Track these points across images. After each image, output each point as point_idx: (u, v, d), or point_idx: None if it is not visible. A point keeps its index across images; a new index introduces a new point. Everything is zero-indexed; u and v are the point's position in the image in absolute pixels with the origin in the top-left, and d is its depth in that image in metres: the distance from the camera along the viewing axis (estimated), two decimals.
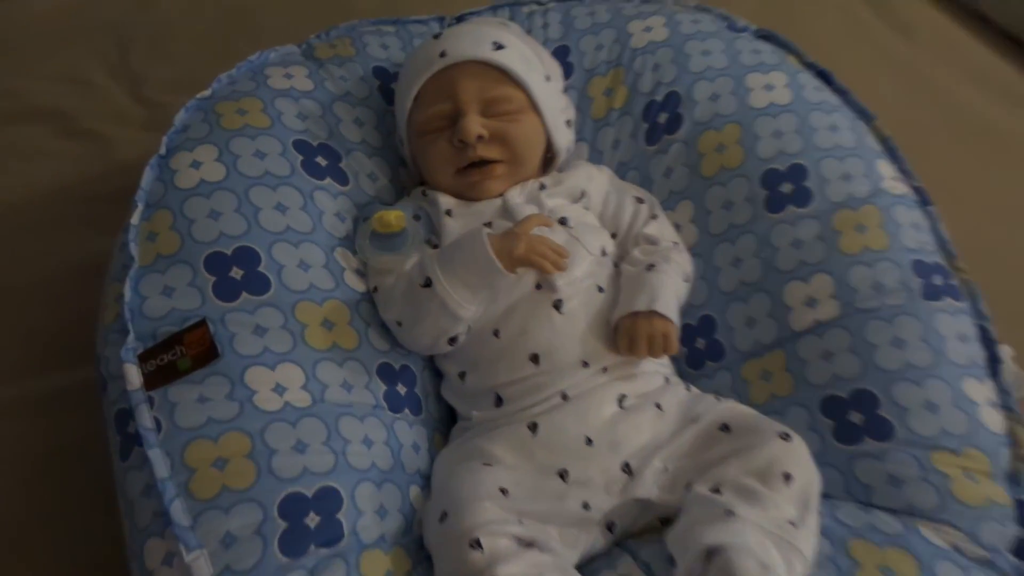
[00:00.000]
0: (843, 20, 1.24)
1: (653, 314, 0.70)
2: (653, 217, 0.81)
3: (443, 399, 0.76)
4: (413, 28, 0.95)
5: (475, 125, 0.75)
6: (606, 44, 0.92)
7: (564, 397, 0.68)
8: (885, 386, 0.68)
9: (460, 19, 0.95)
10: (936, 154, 0.97)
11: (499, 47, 0.78)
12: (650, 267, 0.75)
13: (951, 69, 1.18)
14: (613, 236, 0.81)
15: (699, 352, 0.79)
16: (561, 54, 0.92)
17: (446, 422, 0.76)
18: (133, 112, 1.12)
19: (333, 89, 0.85)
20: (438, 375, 0.77)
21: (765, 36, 0.92)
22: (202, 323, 0.65)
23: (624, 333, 0.70)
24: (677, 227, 0.83)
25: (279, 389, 0.63)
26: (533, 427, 0.67)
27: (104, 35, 1.22)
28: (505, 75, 0.77)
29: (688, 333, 0.78)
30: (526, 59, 0.79)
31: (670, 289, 0.73)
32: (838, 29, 1.22)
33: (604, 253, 0.77)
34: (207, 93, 0.81)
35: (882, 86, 1.10)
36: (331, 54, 0.88)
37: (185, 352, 0.63)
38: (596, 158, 0.90)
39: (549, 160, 0.83)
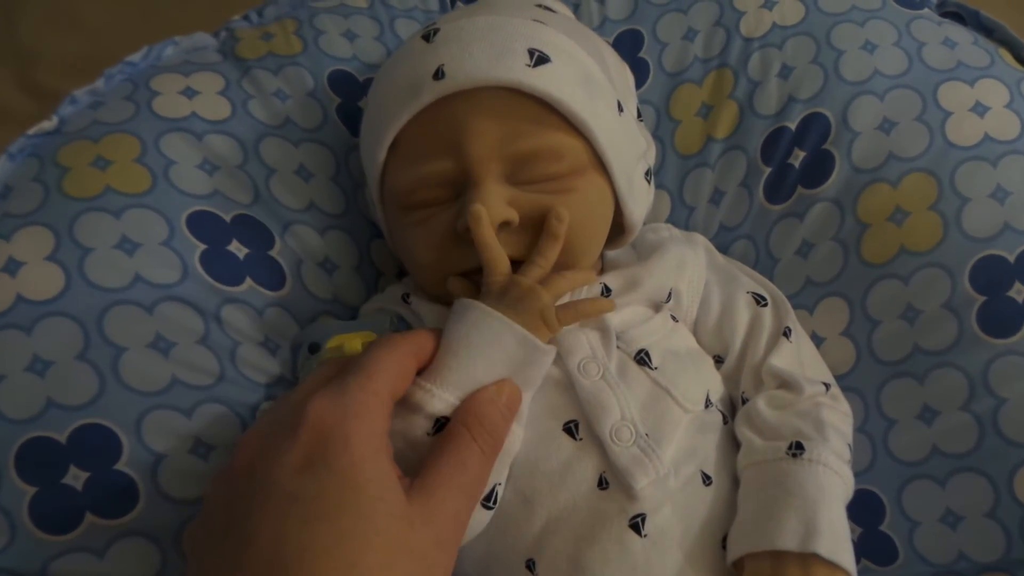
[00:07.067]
0: None
1: (812, 559, 0.40)
2: (784, 333, 0.49)
3: None
4: (398, 3, 0.60)
5: (496, 203, 0.43)
6: (702, 28, 0.57)
7: None
8: None
9: None
10: None
11: (540, 59, 0.44)
12: (795, 452, 0.43)
13: None
14: (717, 361, 0.50)
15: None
16: (628, 46, 0.58)
17: None
18: (17, 104, 0.85)
19: (263, 115, 0.52)
20: None
21: (957, 14, 0.58)
22: None
23: None
24: (817, 342, 0.51)
25: None
26: None
27: None
28: (549, 111, 0.44)
29: None
30: (586, 77, 0.46)
31: (837, 501, 0.42)
32: None
33: (709, 403, 0.46)
34: (49, 125, 0.49)
35: None
36: (263, 51, 0.55)
37: None
38: (680, 216, 0.58)
39: (611, 236, 0.51)
